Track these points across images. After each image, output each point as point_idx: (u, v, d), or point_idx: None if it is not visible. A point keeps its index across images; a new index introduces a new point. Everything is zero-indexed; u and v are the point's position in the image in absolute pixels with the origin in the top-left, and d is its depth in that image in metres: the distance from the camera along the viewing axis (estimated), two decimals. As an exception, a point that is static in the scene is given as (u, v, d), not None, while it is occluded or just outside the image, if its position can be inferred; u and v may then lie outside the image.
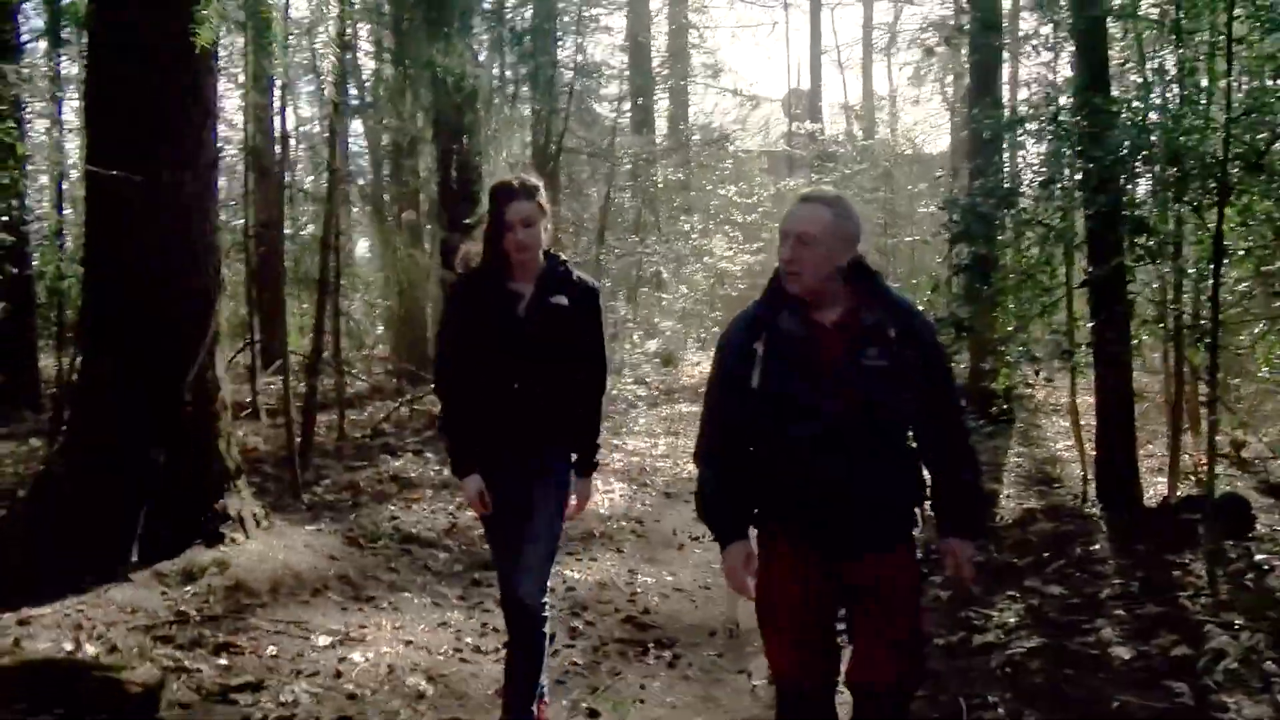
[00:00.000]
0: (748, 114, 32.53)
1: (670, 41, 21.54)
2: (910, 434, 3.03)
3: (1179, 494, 7.41)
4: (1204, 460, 6.74)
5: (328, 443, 10.02)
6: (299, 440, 8.05)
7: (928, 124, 23.50)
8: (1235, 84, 6.46)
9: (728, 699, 4.67)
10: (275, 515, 6.34)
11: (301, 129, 16.69)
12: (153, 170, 5.39)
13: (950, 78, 20.70)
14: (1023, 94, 12.05)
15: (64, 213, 11.68)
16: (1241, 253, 6.94)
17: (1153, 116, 6.83)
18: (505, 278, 3.69)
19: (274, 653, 4.59)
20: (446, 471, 8.85)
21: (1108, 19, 7.49)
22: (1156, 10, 7.25)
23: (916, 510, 3.05)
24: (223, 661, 4.43)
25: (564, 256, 3.87)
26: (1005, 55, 13.33)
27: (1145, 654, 4.68)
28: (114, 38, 5.51)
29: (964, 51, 13.66)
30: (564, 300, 3.70)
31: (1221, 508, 6.24)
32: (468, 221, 10.09)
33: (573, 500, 3.87)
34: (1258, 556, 5.87)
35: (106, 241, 5.65)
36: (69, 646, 4.31)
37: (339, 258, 10.46)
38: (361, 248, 20.30)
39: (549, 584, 3.80)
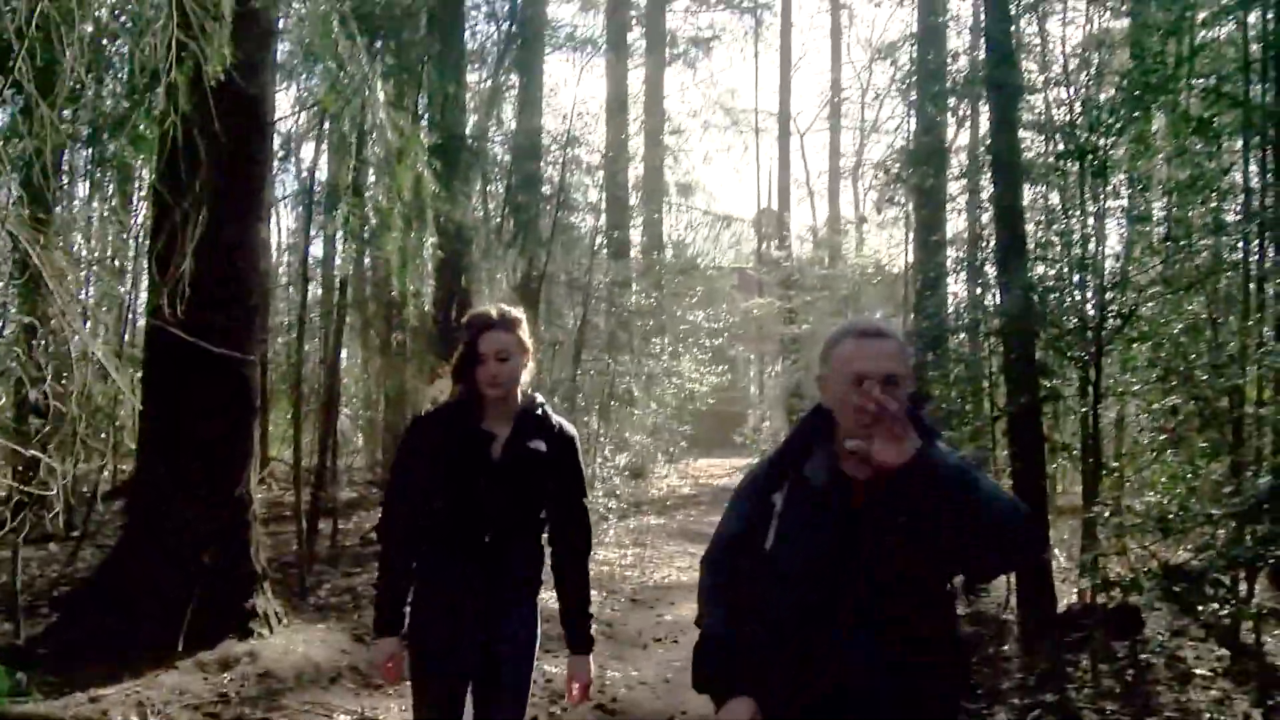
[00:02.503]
0: (718, 232, 34.00)
1: (646, 166, 22.87)
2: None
3: (1095, 601, 8.43)
4: (1122, 571, 7.77)
5: (322, 551, 10.92)
6: (304, 547, 8.96)
7: (890, 246, 24.89)
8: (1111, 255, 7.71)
9: (684, 771, 5.59)
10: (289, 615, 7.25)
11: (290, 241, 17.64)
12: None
13: (910, 205, 22.21)
14: (957, 241, 13.21)
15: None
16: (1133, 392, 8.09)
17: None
18: (476, 416, 3.37)
19: (304, 727, 5.52)
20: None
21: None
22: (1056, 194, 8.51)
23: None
24: (262, 733, 5.35)
25: (540, 399, 3.51)
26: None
27: (1030, 734, 5.66)
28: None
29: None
30: (542, 446, 3.38)
31: (1112, 614, 7.26)
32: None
33: (574, 687, 3.51)
34: (1141, 656, 6.88)
35: (161, 373, 6.67)
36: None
37: (338, 376, 11.47)
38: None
39: None
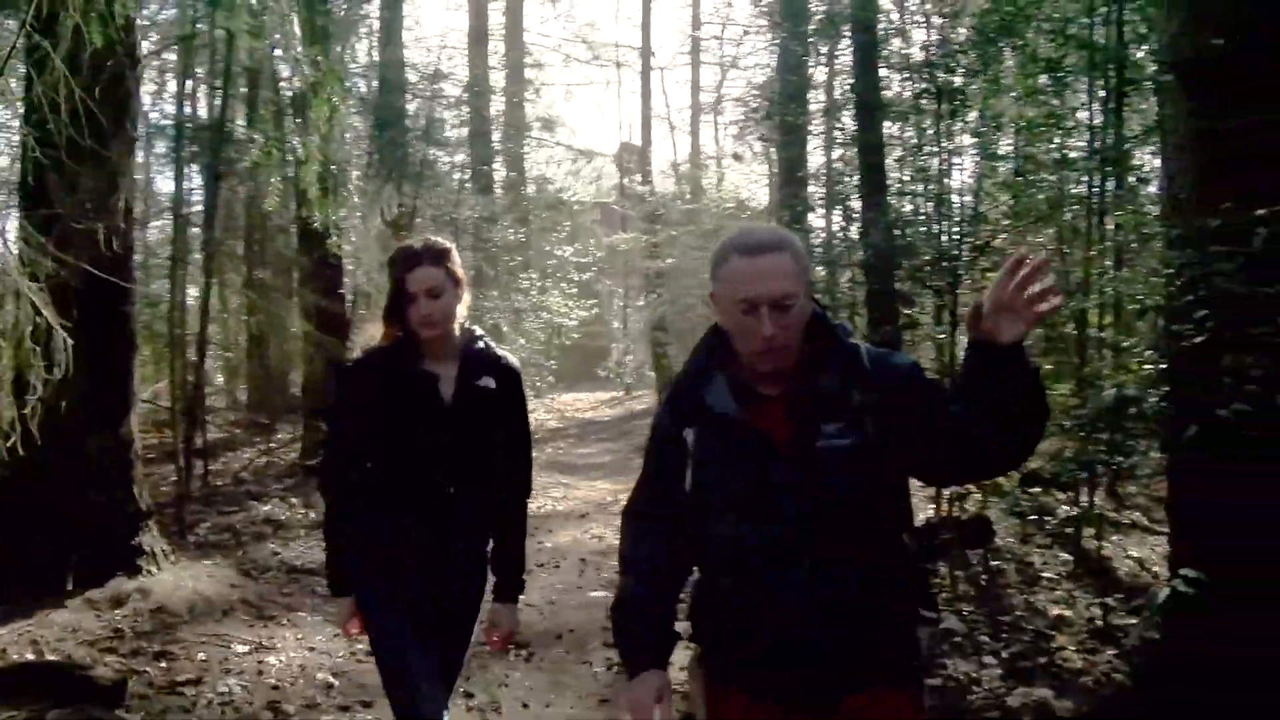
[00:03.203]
0: (581, 167, 33.95)
1: (507, 101, 22.68)
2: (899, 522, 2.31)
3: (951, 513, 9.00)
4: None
5: (196, 491, 10.81)
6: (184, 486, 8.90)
7: (751, 181, 25.30)
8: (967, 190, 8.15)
9: (574, 682, 5.85)
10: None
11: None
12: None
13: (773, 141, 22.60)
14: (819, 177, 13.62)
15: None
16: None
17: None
18: (416, 357, 3.15)
19: (203, 658, 5.59)
20: (314, 514, 9.84)
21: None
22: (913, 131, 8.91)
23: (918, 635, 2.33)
24: (163, 665, 5.42)
25: (480, 332, 3.31)
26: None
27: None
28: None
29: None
30: (491, 383, 3.19)
31: (967, 525, 7.80)
32: (341, 292, 11.10)
33: (495, 635, 3.37)
34: (993, 563, 7.42)
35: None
36: (31, 657, 5.22)
37: (208, 315, 11.25)
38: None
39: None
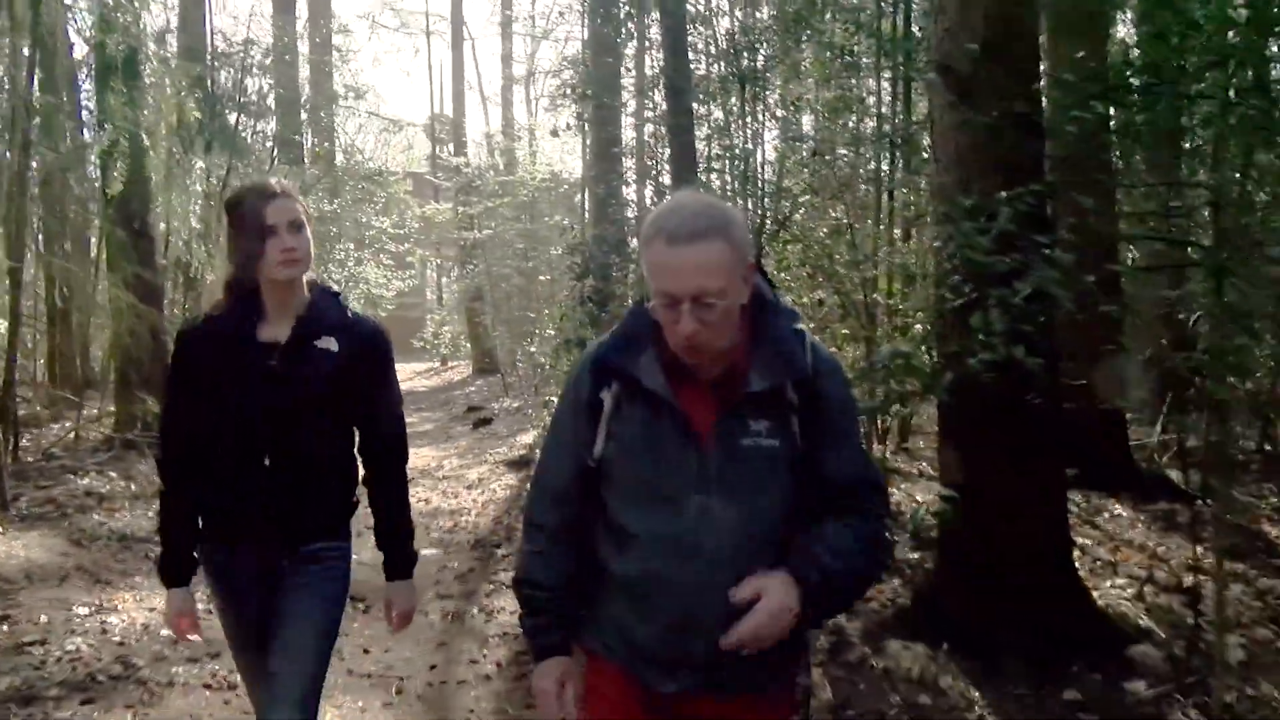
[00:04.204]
0: (391, 137, 33.57)
1: (313, 68, 22.29)
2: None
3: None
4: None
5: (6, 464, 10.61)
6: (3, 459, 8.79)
7: (566, 152, 25.66)
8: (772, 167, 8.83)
9: (410, 630, 6.21)
10: (-3, 524, 7.26)
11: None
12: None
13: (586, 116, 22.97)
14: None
15: None
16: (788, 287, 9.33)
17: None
18: (253, 322, 2.83)
19: (46, 620, 5.74)
20: (134, 486, 9.85)
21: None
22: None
23: (806, 637, 2.28)
24: (5, 629, 5.55)
25: (335, 288, 3.05)
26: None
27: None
28: None
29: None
30: (333, 345, 2.84)
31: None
32: (160, 262, 11.00)
33: (393, 615, 3.13)
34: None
35: None
36: None
37: (20, 288, 10.97)
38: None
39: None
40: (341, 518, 2.99)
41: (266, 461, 2.80)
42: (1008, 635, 4.77)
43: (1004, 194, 4.39)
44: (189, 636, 2.99)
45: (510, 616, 6.15)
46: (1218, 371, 4.31)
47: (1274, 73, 5.04)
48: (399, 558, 3.10)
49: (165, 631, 5.79)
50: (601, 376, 2.18)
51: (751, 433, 2.09)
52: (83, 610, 6.00)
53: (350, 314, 2.96)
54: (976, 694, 4.65)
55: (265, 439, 2.80)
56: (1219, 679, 4.38)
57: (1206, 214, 5.20)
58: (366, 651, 5.72)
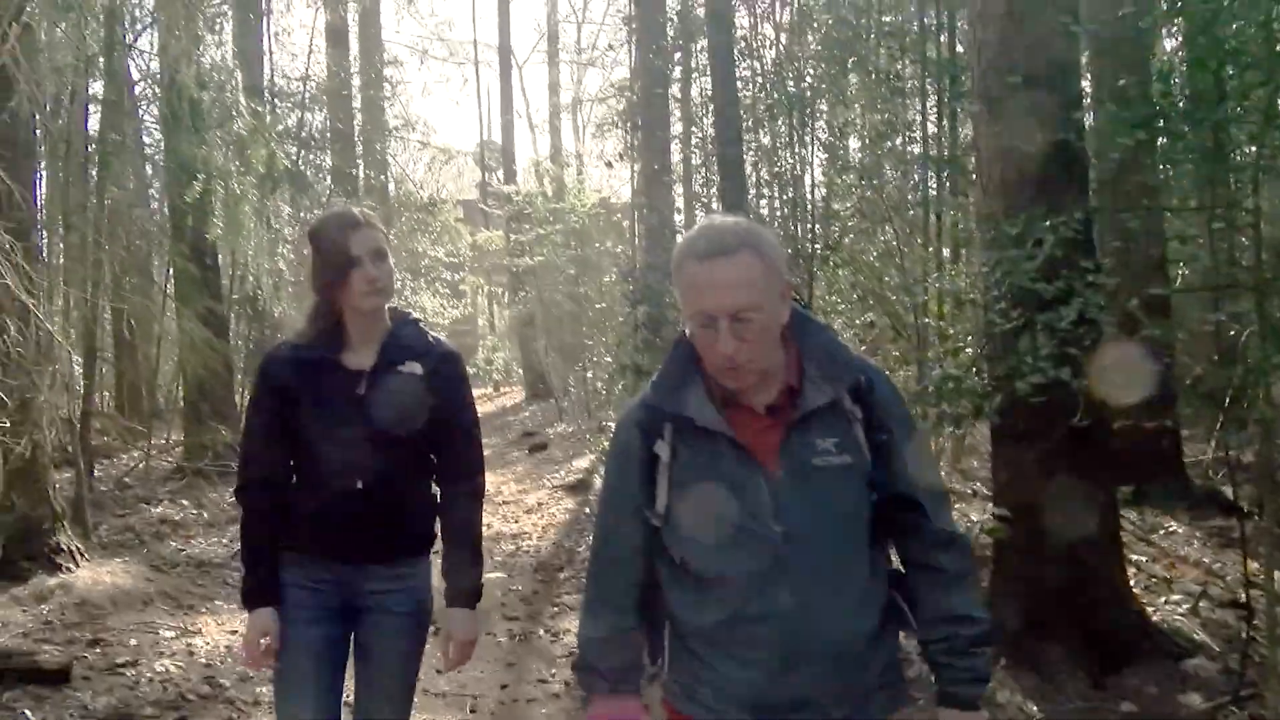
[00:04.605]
0: (441, 166, 34.06)
1: (364, 100, 22.71)
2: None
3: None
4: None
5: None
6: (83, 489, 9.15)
7: (612, 179, 25.90)
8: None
9: (479, 650, 6.45)
10: (83, 551, 7.59)
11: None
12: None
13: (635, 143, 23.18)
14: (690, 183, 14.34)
15: None
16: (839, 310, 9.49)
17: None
18: (338, 348, 2.86)
19: (135, 643, 6.02)
20: (206, 514, 10.19)
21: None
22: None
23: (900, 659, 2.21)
24: (99, 651, 5.83)
25: (414, 315, 3.07)
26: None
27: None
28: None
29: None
30: (417, 369, 2.87)
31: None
32: (235, 296, 11.38)
33: (450, 647, 2.99)
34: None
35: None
36: (-31, 649, 5.58)
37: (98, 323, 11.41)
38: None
39: None
40: (427, 540, 2.99)
41: (359, 485, 2.80)
42: (1063, 650, 4.90)
43: (1048, 222, 4.54)
44: (266, 662, 2.85)
45: (574, 638, 6.33)
46: (1259, 389, 4.43)
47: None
48: (466, 584, 2.99)
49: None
50: (651, 429, 2.08)
51: (820, 451, 2.01)
52: (169, 633, 6.29)
53: (431, 338, 2.99)
54: (1034, 708, 4.77)
55: (357, 464, 2.80)
56: (1273, 691, 4.47)
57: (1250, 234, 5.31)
58: (439, 671, 5.91)
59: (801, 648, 2.00)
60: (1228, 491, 8.10)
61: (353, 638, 2.96)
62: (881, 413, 2.06)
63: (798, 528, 1.99)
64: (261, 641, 2.81)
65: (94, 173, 10.60)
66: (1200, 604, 5.91)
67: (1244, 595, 5.67)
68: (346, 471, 2.81)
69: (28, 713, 4.89)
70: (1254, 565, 5.95)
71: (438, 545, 3.05)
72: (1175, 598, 6.11)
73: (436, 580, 3.06)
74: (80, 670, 5.47)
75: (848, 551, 2.03)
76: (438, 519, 3.03)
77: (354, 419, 2.80)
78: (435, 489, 3.04)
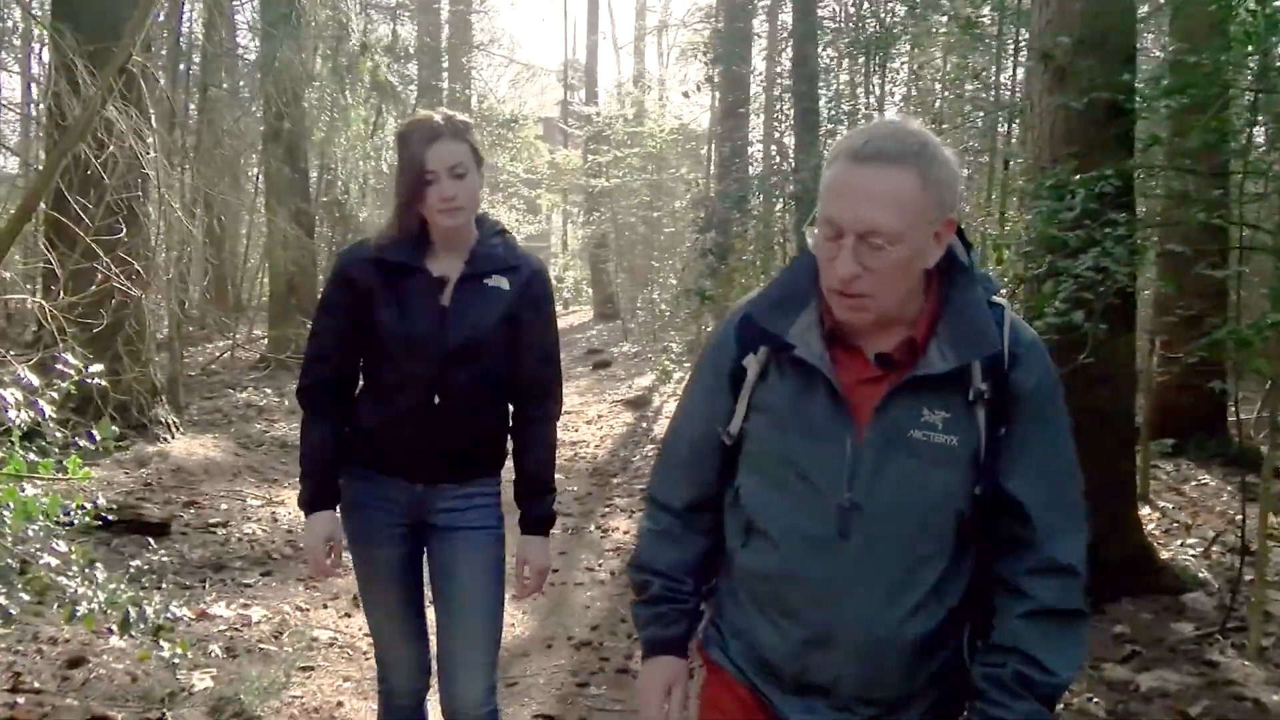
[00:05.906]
0: (524, 82, 34.26)
1: (450, 13, 22.93)
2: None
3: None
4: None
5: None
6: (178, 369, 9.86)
7: (693, 104, 26.00)
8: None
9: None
10: (177, 427, 8.27)
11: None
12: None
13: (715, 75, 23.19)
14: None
15: None
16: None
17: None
18: (422, 254, 2.70)
19: (225, 508, 6.68)
20: (288, 403, 10.87)
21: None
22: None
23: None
24: (194, 512, 6.49)
25: (501, 225, 2.88)
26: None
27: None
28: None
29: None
30: (504, 284, 2.73)
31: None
32: (326, 198, 11.94)
33: (525, 571, 2.88)
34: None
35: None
36: (82, 501, 6.24)
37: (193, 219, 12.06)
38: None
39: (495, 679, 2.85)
40: (499, 460, 2.86)
41: (436, 399, 2.66)
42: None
43: (1076, 177, 4.85)
44: (334, 570, 2.78)
45: (623, 536, 6.87)
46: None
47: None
48: (540, 512, 2.87)
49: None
50: (747, 340, 1.83)
51: (924, 424, 1.69)
52: (255, 501, 6.94)
53: (520, 252, 2.83)
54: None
55: (436, 375, 2.66)
56: (1256, 626, 4.83)
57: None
58: (514, 597, 6.46)
59: (836, 632, 1.76)
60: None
61: (426, 558, 2.87)
62: (1022, 405, 1.71)
63: (871, 501, 1.71)
64: (326, 545, 2.71)
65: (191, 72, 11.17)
66: (1213, 548, 6.24)
67: (1255, 544, 6.00)
68: (421, 384, 2.67)
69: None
70: (1274, 519, 6.25)
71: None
72: (1191, 541, 6.45)
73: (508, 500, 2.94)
74: (178, 526, 6.13)
75: (924, 543, 1.73)
76: (510, 439, 2.90)
77: (434, 329, 2.66)
78: (510, 409, 2.89)
